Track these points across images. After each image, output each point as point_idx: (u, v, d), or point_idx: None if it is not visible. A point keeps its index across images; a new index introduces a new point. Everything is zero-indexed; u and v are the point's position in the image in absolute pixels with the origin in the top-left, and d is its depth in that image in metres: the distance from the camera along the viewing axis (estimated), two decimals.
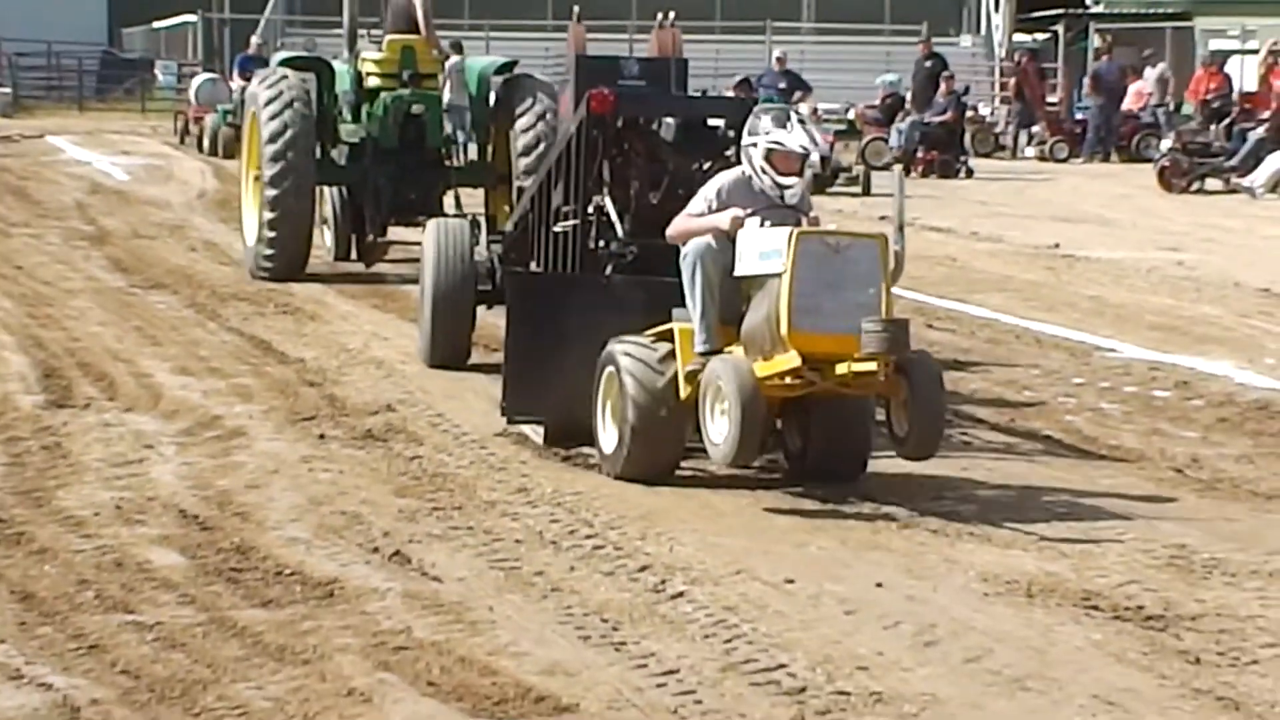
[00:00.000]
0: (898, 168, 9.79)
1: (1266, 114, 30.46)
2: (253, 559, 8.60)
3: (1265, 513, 10.03)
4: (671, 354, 10.06)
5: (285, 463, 10.54)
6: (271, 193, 17.67)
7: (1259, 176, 28.39)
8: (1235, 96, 32.57)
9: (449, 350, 13.50)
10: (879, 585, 8.35)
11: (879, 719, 6.66)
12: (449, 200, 18.17)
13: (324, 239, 19.06)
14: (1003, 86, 38.13)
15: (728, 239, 9.89)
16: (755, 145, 10.02)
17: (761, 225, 9.82)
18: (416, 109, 18.12)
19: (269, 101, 17.74)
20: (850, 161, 31.04)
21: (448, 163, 18.35)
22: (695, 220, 10.16)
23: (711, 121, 11.50)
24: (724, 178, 10.23)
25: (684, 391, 9.93)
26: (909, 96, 34.95)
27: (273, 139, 17.66)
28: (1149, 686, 7.16)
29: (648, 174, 11.38)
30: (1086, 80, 38.61)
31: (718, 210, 10.07)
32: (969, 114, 35.82)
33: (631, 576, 8.43)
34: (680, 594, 8.15)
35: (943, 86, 34.11)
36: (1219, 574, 8.72)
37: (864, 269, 9.51)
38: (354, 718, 6.64)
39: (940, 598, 8.20)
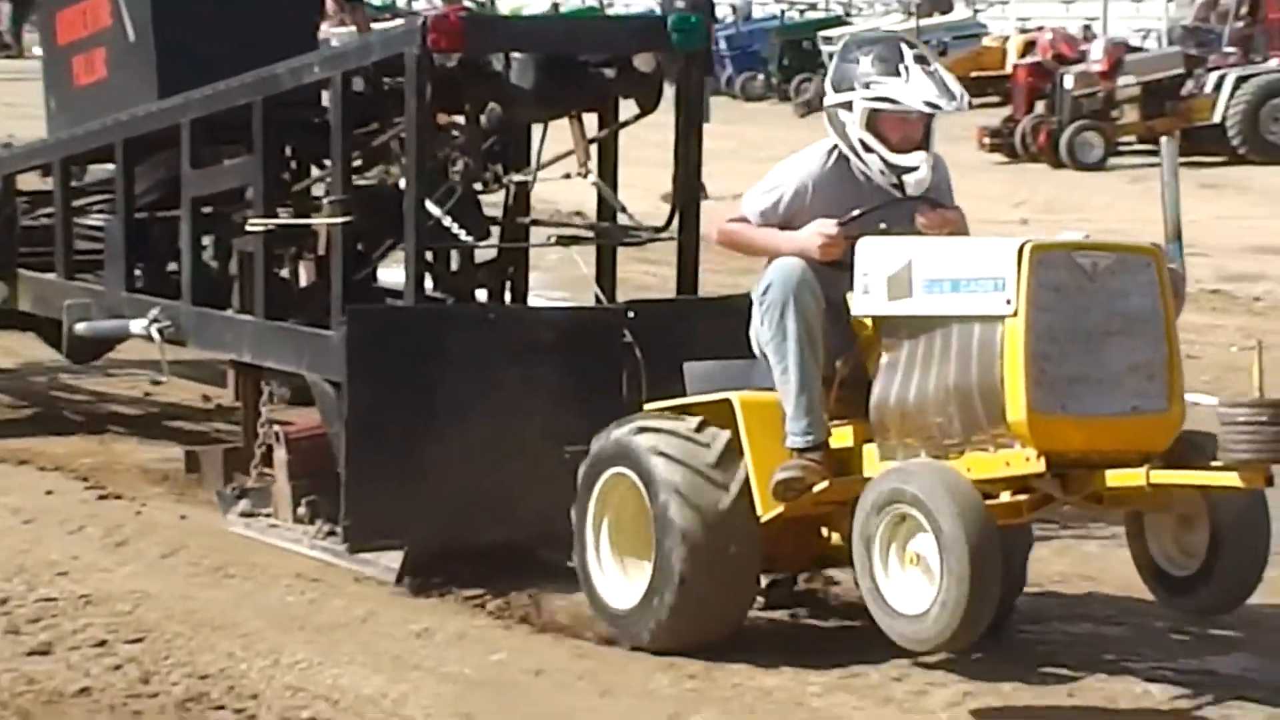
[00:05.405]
0: (1168, 140, 6.52)
1: None
2: None
3: None
4: (731, 447, 6.23)
5: None
6: None
7: None
8: None
9: None
10: (50, 493, 8.23)
11: (94, 619, 6.57)
12: None
13: None
14: None
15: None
16: (850, 106, 6.22)
17: (879, 230, 6.13)
18: None
19: None
20: None
21: None
22: (755, 234, 6.31)
23: (585, 58, 7.64)
24: (804, 161, 6.34)
25: (764, 509, 6.14)
26: None
27: None
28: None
29: (477, 138, 7.66)
30: None
31: (792, 212, 6.25)
32: None
33: None
34: None
35: None
36: None
37: (1136, 304, 5.74)
38: None
39: (120, 502, 8.12)
